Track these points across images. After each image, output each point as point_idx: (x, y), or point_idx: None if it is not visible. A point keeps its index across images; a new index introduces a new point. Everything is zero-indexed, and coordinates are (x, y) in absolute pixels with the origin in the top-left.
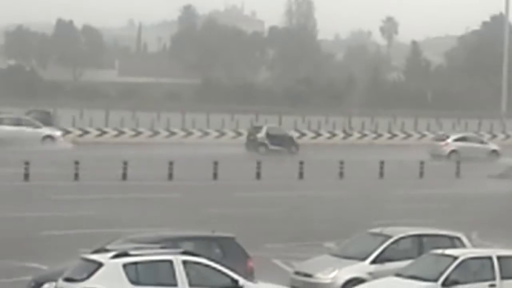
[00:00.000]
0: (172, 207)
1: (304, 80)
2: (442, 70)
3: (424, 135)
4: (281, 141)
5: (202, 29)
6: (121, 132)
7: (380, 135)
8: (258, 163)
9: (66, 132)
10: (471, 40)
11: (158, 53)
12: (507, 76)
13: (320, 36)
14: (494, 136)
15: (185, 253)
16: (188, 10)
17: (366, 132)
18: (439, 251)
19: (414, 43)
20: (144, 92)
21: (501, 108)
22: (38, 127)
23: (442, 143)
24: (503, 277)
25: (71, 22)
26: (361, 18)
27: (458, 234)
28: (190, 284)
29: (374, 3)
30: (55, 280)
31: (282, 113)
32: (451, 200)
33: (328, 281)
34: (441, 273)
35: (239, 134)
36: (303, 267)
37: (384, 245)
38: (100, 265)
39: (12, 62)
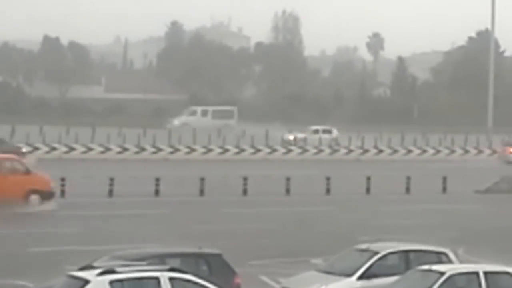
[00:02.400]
0: (158, 223)
1: (290, 96)
2: (428, 85)
3: (410, 151)
4: None
5: (189, 45)
6: (107, 149)
7: (366, 151)
8: (245, 179)
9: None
10: (457, 55)
11: (145, 70)
12: (493, 91)
13: (307, 52)
14: (480, 152)
15: (172, 269)
16: (174, 26)
17: (352, 147)
18: (426, 266)
19: (400, 58)
20: (130, 109)
21: (487, 123)
22: None
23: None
24: None
25: (57, 38)
26: (347, 34)
27: (445, 250)
28: None
29: (360, 19)
30: None
31: (269, 130)
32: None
33: None
34: None
35: (226, 150)
36: (290, 283)
37: (371, 261)
38: (86, 282)
39: None
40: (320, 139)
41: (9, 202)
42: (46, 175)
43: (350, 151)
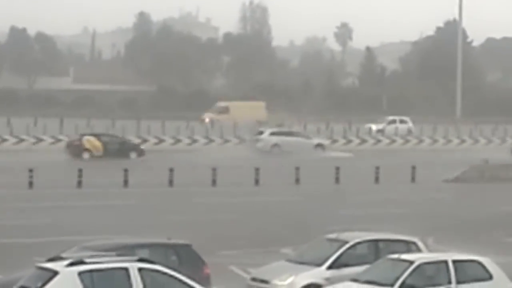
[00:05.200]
0: (127, 214)
1: (259, 87)
2: (396, 75)
3: (379, 141)
4: None
5: (157, 36)
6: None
7: (335, 141)
8: (213, 169)
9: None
10: (425, 45)
11: (113, 60)
12: (461, 81)
13: (275, 43)
14: (449, 141)
15: (141, 260)
16: (142, 17)
17: (321, 138)
18: (395, 256)
19: (368, 49)
20: (99, 100)
21: (455, 113)
22: None
23: None
24: (459, 281)
25: (24, 29)
26: (316, 24)
27: (414, 239)
28: None
29: (328, 9)
30: None
31: None
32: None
33: (284, 287)
34: (397, 278)
35: (195, 141)
36: (260, 273)
37: (341, 251)
38: (55, 273)
39: None
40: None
41: None
42: None
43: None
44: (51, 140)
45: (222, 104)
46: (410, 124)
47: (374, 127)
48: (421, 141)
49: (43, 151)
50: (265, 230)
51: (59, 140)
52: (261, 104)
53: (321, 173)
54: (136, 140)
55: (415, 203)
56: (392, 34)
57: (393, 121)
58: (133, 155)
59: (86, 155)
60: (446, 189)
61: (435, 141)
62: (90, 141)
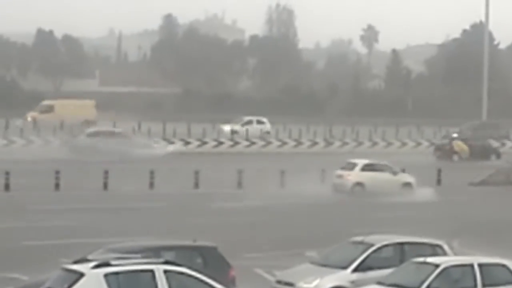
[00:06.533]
0: (153, 216)
1: (285, 89)
2: (422, 78)
3: (405, 143)
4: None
5: (183, 38)
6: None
7: (361, 143)
8: (239, 172)
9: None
10: (451, 48)
11: (139, 63)
12: (487, 84)
13: (301, 45)
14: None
15: (166, 262)
16: (168, 19)
17: (347, 140)
18: (421, 259)
19: (394, 51)
20: (124, 102)
21: (481, 116)
22: None
23: None
24: (484, 285)
25: (51, 31)
26: (342, 26)
27: (440, 242)
28: None
29: (354, 11)
30: None
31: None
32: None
33: None
34: (423, 281)
35: (221, 143)
36: (285, 276)
37: (366, 254)
38: (81, 275)
39: None
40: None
41: None
42: None
43: (345, 143)
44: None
45: (47, 102)
46: (268, 125)
47: (228, 128)
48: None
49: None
50: (291, 232)
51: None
52: (90, 103)
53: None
54: (162, 142)
55: (441, 206)
56: (418, 37)
57: (250, 122)
58: (493, 157)
59: (455, 158)
60: (472, 193)
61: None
62: (459, 145)
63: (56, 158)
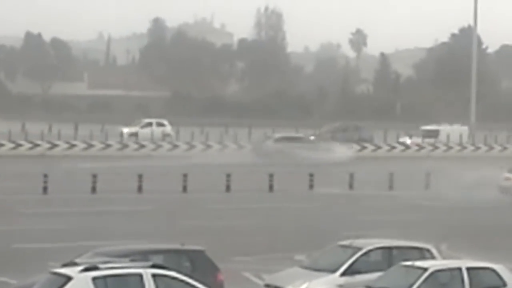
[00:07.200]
0: (141, 220)
1: (273, 93)
2: (411, 82)
3: (393, 147)
4: None
5: (171, 41)
6: (90, 145)
7: (350, 148)
8: (228, 175)
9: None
10: (440, 52)
11: (127, 66)
12: (475, 87)
13: (290, 49)
14: (464, 148)
15: (154, 266)
16: (157, 23)
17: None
18: (409, 263)
19: (383, 55)
20: (113, 105)
21: (470, 120)
22: None
23: None
24: None
25: (39, 35)
26: (330, 30)
27: (428, 246)
28: None
29: (343, 15)
30: None
31: (252, 126)
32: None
33: None
34: (411, 285)
35: (209, 146)
36: (274, 279)
37: (354, 257)
38: (69, 279)
39: None
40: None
41: None
42: None
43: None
44: (65, 146)
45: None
46: (169, 128)
47: (126, 130)
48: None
49: (58, 157)
50: (279, 236)
51: (74, 146)
52: None
53: None
54: (151, 146)
55: (429, 210)
56: (407, 41)
57: (149, 124)
58: None
59: None
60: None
61: (449, 147)
62: None
63: (242, 163)
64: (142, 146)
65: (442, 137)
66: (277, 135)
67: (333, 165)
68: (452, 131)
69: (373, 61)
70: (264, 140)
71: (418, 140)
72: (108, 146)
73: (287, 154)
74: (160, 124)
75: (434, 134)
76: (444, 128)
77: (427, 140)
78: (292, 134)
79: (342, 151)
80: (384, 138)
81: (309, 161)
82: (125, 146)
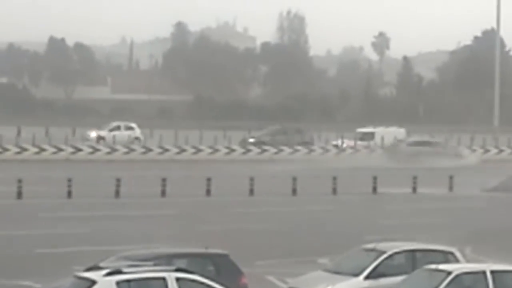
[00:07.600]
0: (165, 224)
1: (296, 96)
2: (433, 84)
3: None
4: None
5: (194, 45)
6: (114, 150)
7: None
8: (251, 179)
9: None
10: (463, 55)
11: (150, 70)
12: (499, 90)
13: (312, 52)
14: (486, 151)
15: (178, 270)
16: (180, 27)
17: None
18: (433, 266)
19: (405, 58)
20: (136, 109)
21: (493, 123)
22: None
23: None
24: None
25: (63, 39)
26: (353, 33)
27: (452, 249)
28: None
29: (365, 18)
30: None
31: None
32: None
33: None
34: None
35: (232, 150)
36: (297, 283)
37: (378, 261)
38: (93, 282)
39: (4, 80)
40: None
41: None
42: None
43: (357, 150)
44: (89, 150)
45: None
46: (138, 131)
47: (94, 134)
48: (149, 150)
49: (82, 161)
50: (302, 240)
51: (98, 150)
52: None
53: None
54: (174, 150)
55: (453, 213)
56: (430, 44)
57: (117, 128)
58: None
59: None
60: (484, 199)
61: (473, 150)
62: None
63: (372, 166)
64: (166, 150)
65: (377, 139)
66: (410, 139)
67: (461, 169)
68: (388, 133)
69: (396, 64)
70: (398, 144)
71: (351, 142)
72: (132, 150)
73: (418, 158)
74: (128, 128)
75: (370, 136)
76: (380, 131)
77: (360, 142)
78: (425, 138)
79: (470, 156)
80: (326, 140)
81: (439, 165)
82: (148, 150)
